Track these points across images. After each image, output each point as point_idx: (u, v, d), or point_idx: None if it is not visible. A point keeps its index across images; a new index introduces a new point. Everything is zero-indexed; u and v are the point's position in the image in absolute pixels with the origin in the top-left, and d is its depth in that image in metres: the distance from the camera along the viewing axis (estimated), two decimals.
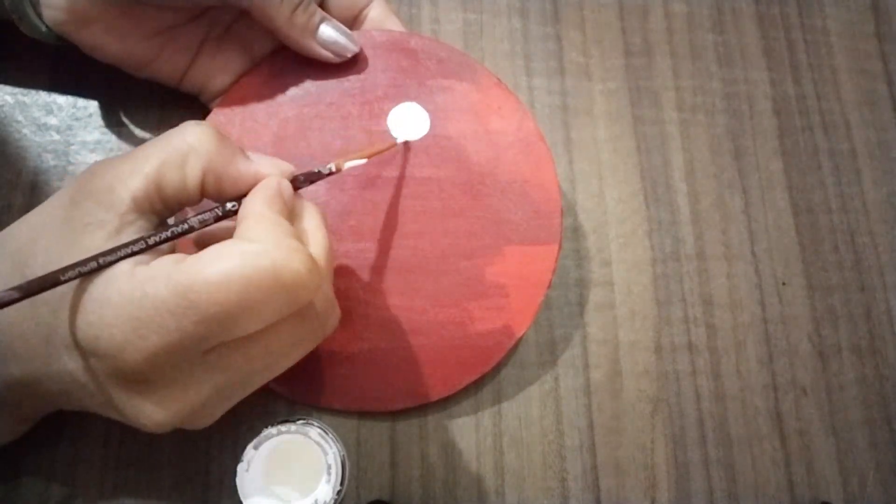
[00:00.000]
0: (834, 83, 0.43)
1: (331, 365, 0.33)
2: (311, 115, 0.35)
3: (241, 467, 0.27)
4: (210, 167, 0.25)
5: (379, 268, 0.34)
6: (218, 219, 0.26)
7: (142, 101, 0.37)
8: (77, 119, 0.37)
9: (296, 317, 0.25)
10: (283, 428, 0.28)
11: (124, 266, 0.23)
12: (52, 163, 0.36)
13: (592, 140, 0.40)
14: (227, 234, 0.25)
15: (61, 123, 0.37)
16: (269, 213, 0.24)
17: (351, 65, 0.35)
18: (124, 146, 0.37)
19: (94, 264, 0.23)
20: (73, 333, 0.23)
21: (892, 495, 0.36)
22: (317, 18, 0.33)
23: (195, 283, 0.21)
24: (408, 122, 0.35)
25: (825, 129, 0.42)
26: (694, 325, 0.37)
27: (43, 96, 0.37)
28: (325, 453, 0.27)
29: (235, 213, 0.26)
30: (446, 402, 0.34)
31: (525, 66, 0.41)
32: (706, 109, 0.41)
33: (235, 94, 0.35)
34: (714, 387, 0.36)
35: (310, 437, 0.28)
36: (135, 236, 0.24)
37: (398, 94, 0.35)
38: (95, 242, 0.23)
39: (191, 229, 0.25)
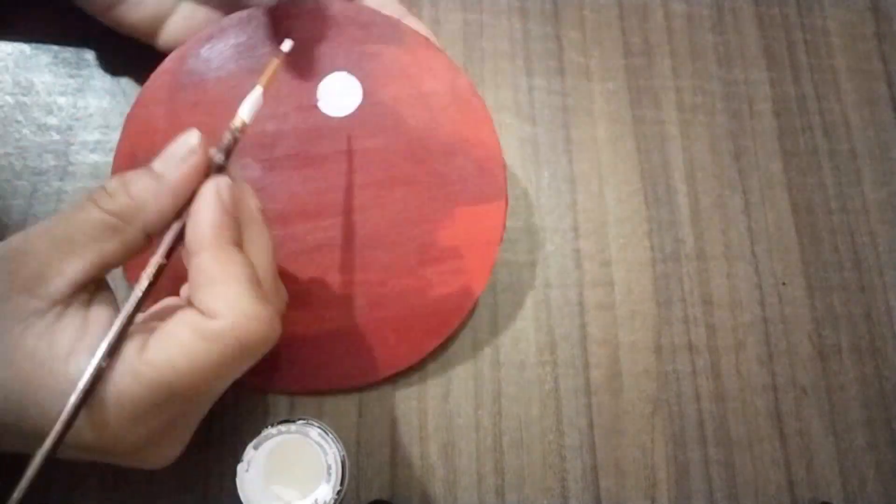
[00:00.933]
0: (834, 83, 0.43)
1: (294, 348, 0.33)
2: (240, 97, 0.34)
3: (240, 467, 0.27)
4: (148, 222, 0.24)
5: (330, 247, 0.33)
6: (164, 266, 0.24)
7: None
8: (77, 119, 0.37)
9: None
10: (283, 428, 0.28)
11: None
12: (52, 163, 0.36)
13: (592, 140, 0.40)
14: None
15: (61, 123, 0.37)
16: (219, 252, 0.23)
17: (277, 38, 0.34)
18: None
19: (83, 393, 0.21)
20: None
21: (892, 495, 0.36)
22: None
23: (169, 376, 0.22)
24: (339, 92, 0.34)
25: (825, 129, 0.42)
26: (694, 325, 0.37)
27: (43, 96, 0.37)
28: (325, 453, 0.27)
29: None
30: (446, 403, 0.34)
31: (525, 66, 0.41)
32: (706, 109, 0.41)
33: (183, 52, 0.34)
34: (714, 387, 0.36)
35: (310, 438, 0.28)
36: (77, 313, 0.23)
37: (328, 64, 0.34)
38: (39, 335, 0.22)
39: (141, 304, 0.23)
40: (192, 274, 0.23)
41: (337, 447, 0.28)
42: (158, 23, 0.33)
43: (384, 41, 0.34)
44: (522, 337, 0.36)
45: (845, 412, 0.37)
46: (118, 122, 0.37)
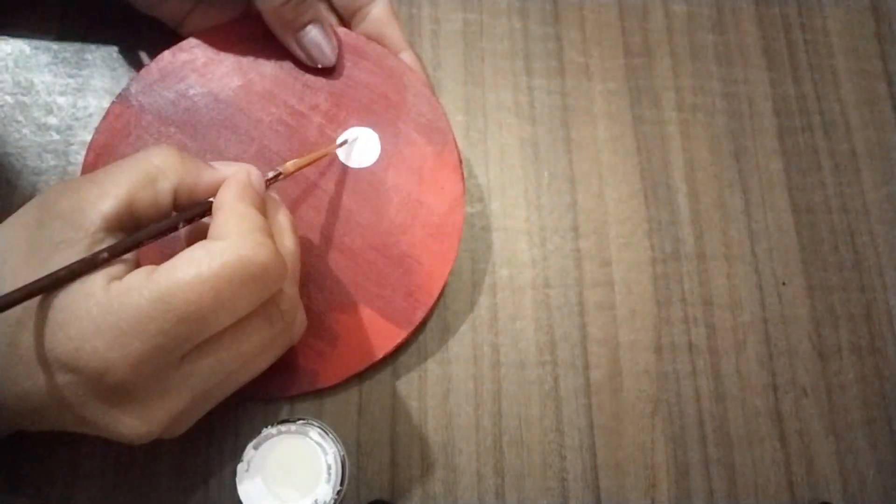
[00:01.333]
0: (834, 83, 0.43)
1: None
2: (281, 87, 0.35)
3: (240, 467, 0.27)
4: (180, 185, 0.26)
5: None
6: (185, 224, 0.26)
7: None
8: (77, 119, 0.37)
9: (262, 317, 0.26)
10: (283, 428, 0.28)
11: (99, 281, 0.23)
12: (52, 163, 0.36)
13: (592, 140, 0.40)
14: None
15: (61, 123, 0.37)
16: (239, 205, 0.25)
17: (347, 67, 0.35)
18: None
19: (72, 271, 0.23)
20: (50, 350, 0.23)
21: (892, 495, 0.36)
22: (305, 18, 0.33)
23: (170, 287, 0.23)
24: (359, 147, 0.35)
25: (825, 129, 0.42)
26: (694, 325, 0.37)
27: (43, 96, 0.37)
28: (325, 453, 0.27)
29: (202, 216, 0.27)
30: (446, 403, 0.34)
31: (525, 66, 0.41)
32: (706, 109, 0.41)
33: (220, 31, 0.35)
34: (714, 387, 0.36)
35: (310, 438, 0.28)
36: None
37: (368, 117, 0.35)
38: (68, 261, 0.23)
39: (166, 232, 0.26)
40: (210, 228, 0.25)
41: (337, 447, 0.28)
42: (186, 13, 0.34)
43: (426, 137, 0.35)
44: (522, 337, 0.36)
45: (845, 412, 0.37)
46: None
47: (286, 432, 0.28)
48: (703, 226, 0.39)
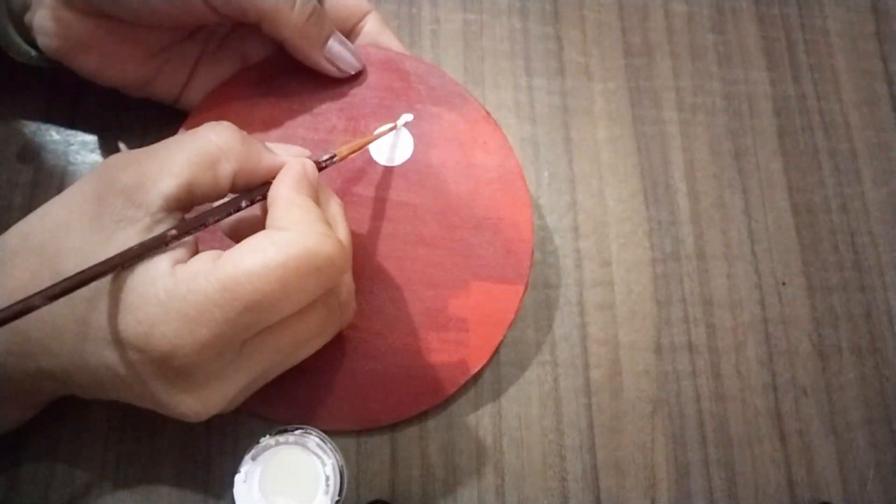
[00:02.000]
0: (834, 83, 0.43)
1: (278, 378, 0.32)
2: (295, 124, 0.35)
3: (238, 478, 0.27)
4: (240, 168, 0.26)
5: None
6: (248, 205, 0.27)
7: (142, 100, 0.37)
8: (77, 119, 0.37)
9: (322, 305, 0.26)
10: (280, 438, 0.27)
11: (164, 265, 0.23)
12: (52, 163, 0.36)
13: (592, 140, 0.40)
14: (259, 221, 0.26)
15: (61, 123, 0.37)
16: (297, 197, 0.26)
17: (342, 78, 0.35)
18: (125, 147, 0.37)
19: (134, 253, 0.23)
20: (118, 331, 0.23)
21: (892, 495, 0.36)
22: (326, 31, 0.33)
23: (237, 275, 0.23)
24: (392, 144, 0.35)
25: (825, 129, 0.42)
26: (694, 325, 0.37)
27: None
28: (324, 464, 0.27)
29: (264, 198, 0.27)
30: (446, 403, 0.34)
31: (525, 66, 0.41)
32: (706, 109, 0.41)
33: (219, 94, 0.35)
34: (714, 387, 0.36)
35: (307, 448, 0.27)
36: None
37: (385, 115, 0.35)
38: (129, 239, 0.24)
39: (230, 212, 0.26)
40: (268, 219, 0.25)
41: (336, 457, 0.28)
42: (180, 89, 0.35)
43: (447, 105, 0.35)
44: (522, 337, 0.36)
45: (845, 412, 0.37)
46: (118, 121, 0.37)
47: (284, 443, 0.27)
48: (703, 226, 0.39)
